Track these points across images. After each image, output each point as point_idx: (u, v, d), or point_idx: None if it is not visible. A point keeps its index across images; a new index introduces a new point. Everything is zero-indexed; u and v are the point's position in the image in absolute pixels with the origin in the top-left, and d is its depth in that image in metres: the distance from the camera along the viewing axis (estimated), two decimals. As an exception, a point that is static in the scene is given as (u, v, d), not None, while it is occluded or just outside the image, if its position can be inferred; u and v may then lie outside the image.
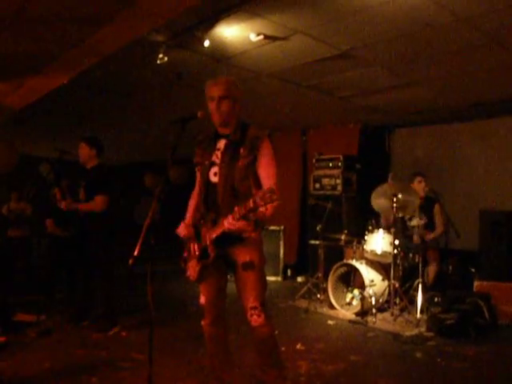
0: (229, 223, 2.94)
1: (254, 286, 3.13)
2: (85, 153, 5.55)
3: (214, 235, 3.08)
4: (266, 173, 3.14)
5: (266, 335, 3.17)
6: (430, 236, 6.30)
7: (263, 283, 3.19)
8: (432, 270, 6.27)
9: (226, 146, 3.23)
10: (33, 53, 5.03)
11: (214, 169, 3.23)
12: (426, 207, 6.58)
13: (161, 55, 5.03)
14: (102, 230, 5.41)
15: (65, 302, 6.79)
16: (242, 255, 3.13)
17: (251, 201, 2.72)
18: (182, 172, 9.65)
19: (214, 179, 3.22)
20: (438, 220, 6.46)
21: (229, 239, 3.08)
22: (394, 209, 5.86)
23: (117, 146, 11.78)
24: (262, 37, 4.74)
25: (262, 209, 2.83)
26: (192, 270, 3.22)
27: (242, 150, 3.14)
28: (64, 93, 6.31)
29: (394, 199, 5.85)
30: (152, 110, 7.90)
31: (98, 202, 5.34)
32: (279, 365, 3.25)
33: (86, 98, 7.10)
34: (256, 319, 3.11)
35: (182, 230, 3.31)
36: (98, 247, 5.39)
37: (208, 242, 3.12)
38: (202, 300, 3.32)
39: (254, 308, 3.11)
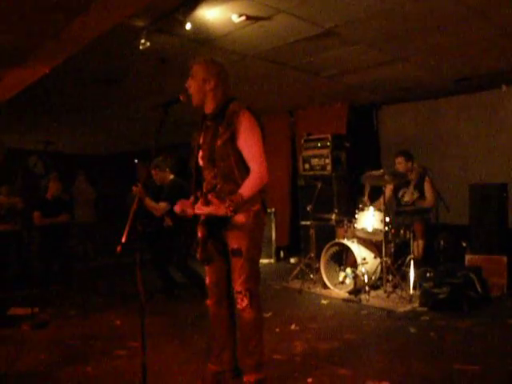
0: (197, 208, 3.08)
1: (241, 272, 3.10)
2: (162, 176, 6.31)
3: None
4: (248, 151, 3.06)
5: (246, 321, 3.14)
6: (422, 203, 6.31)
7: (252, 271, 3.13)
8: (419, 244, 6.27)
9: (208, 125, 3.20)
10: (11, 45, 4.95)
11: (201, 151, 3.21)
12: (417, 182, 6.59)
13: (143, 40, 4.97)
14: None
15: (59, 294, 6.81)
16: (232, 241, 3.11)
17: (221, 204, 2.95)
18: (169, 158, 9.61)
19: (201, 162, 3.22)
20: (428, 194, 6.46)
21: (217, 222, 3.09)
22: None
23: (105, 135, 11.72)
24: (244, 17, 4.69)
25: (240, 190, 2.95)
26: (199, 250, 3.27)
27: (220, 128, 3.07)
28: (47, 83, 6.23)
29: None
30: (138, 97, 7.83)
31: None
32: (256, 354, 3.18)
33: (69, 88, 7.03)
34: (239, 302, 3.12)
35: (177, 207, 3.30)
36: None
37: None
38: (207, 280, 3.35)
39: (239, 292, 3.11)
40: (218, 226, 3.13)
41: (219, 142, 3.05)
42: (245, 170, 3.07)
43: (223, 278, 3.30)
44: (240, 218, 3.06)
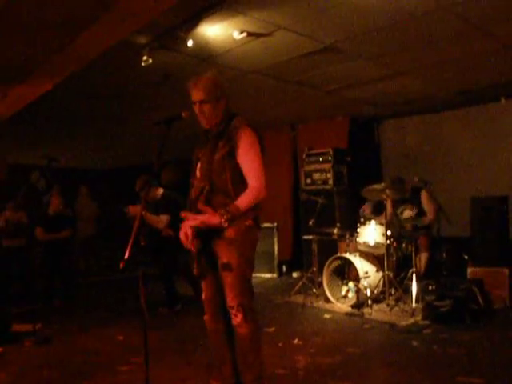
0: (191, 217, 3.07)
1: (232, 286, 3.10)
2: (152, 195, 6.35)
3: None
4: (247, 166, 3.09)
5: (243, 336, 3.14)
6: (422, 221, 6.32)
7: (243, 284, 3.13)
8: (423, 257, 6.29)
9: (210, 140, 3.22)
10: (15, 61, 4.99)
11: (199, 164, 3.23)
12: (413, 197, 6.62)
13: (145, 57, 5.02)
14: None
15: (62, 309, 6.81)
16: (222, 255, 3.10)
17: (216, 214, 2.97)
18: (174, 173, 9.66)
19: (198, 174, 3.23)
20: (427, 206, 6.50)
21: (207, 235, 3.09)
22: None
23: (107, 150, 11.77)
24: (245, 34, 4.74)
25: (237, 202, 2.98)
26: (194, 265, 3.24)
27: (220, 143, 3.10)
28: (49, 99, 6.27)
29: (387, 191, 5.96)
30: (140, 113, 7.88)
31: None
32: (255, 368, 3.18)
33: (71, 104, 7.07)
34: (234, 318, 3.12)
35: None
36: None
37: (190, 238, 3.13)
38: (203, 296, 3.35)
39: (231, 307, 3.11)
40: (209, 238, 3.12)
41: (217, 156, 3.08)
42: (239, 184, 3.08)
43: (217, 293, 3.26)
44: (231, 232, 3.06)
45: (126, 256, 2.62)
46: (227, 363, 3.34)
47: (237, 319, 3.10)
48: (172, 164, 8.55)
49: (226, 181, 3.07)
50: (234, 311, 3.10)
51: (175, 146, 6.86)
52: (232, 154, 3.07)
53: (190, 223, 3.09)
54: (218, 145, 3.11)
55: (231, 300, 3.10)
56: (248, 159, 3.09)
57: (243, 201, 3.03)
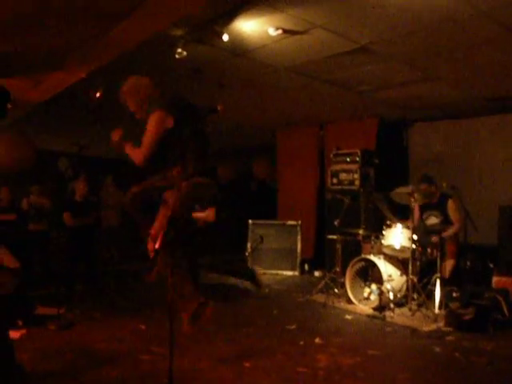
0: None
1: None
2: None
3: None
4: None
5: None
6: (447, 233, 6.24)
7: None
8: (449, 264, 6.22)
9: None
10: (53, 48, 5.06)
11: None
12: (440, 204, 6.53)
13: (179, 50, 5.05)
14: None
15: (84, 295, 6.89)
16: None
17: None
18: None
19: None
20: (454, 216, 6.40)
21: None
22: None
23: (134, 141, 11.83)
24: (280, 31, 4.74)
25: None
26: None
27: None
28: (82, 87, 6.34)
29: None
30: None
31: None
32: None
33: (104, 92, 7.12)
34: None
35: None
36: None
37: None
38: None
39: None
40: None
41: None
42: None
43: None
44: None
45: (157, 246, 2.64)
46: None
47: None
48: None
49: None
50: None
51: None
52: None
53: None
54: None
55: None
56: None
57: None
